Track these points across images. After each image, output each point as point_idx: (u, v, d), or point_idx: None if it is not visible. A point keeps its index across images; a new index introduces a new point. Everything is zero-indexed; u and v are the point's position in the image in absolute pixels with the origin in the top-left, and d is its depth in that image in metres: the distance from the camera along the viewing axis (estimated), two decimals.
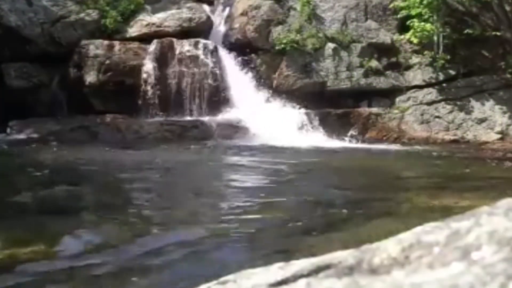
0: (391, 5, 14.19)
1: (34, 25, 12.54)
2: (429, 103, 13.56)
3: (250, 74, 12.93)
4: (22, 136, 11.10)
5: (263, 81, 13.05)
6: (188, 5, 13.58)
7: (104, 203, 5.29)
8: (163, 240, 3.76)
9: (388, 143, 12.35)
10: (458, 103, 13.51)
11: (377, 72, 13.70)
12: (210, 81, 12.61)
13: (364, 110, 13.42)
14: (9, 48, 12.22)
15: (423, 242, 0.72)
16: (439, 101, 13.61)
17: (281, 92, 13.07)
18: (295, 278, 0.73)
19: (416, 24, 13.46)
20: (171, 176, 7.30)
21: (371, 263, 0.71)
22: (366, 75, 13.61)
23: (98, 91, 12.31)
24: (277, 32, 13.38)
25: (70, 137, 10.95)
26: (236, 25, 13.48)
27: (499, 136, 12.96)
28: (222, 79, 12.77)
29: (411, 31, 13.59)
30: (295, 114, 12.22)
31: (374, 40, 13.96)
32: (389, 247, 0.74)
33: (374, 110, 13.42)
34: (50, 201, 5.14)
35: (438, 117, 13.38)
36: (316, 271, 0.74)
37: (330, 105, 13.11)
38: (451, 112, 13.43)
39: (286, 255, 3.01)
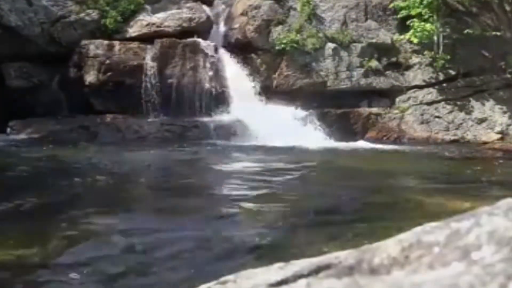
0: (391, 5, 14.19)
1: (34, 25, 12.54)
2: (429, 103, 13.56)
3: (250, 74, 12.93)
4: (22, 136, 11.11)
5: (263, 81, 13.05)
6: (188, 5, 13.58)
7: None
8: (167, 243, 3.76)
9: (388, 143, 12.36)
10: (458, 103, 13.52)
11: (377, 72, 13.70)
12: (210, 81, 12.61)
13: (364, 110, 13.42)
14: (9, 48, 12.22)
15: (423, 242, 0.72)
16: (439, 101, 13.62)
17: (281, 92, 13.08)
18: (295, 278, 0.73)
19: (416, 24, 13.47)
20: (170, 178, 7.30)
21: (371, 263, 0.71)
22: (366, 75, 13.62)
23: (98, 91, 12.32)
24: (277, 32, 13.38)
25: (70, 137, 10.96)
26: (236, 25, 13.48)
27: (499, 136, 12.97)
28: (222, 79, 12.77)
29: (411, 31, 13.59)
30: (295, 114, 12.22)
31: (374, 40, 13.95)
32: (389, 247, 0.74)
33: (374, 110, 13.43)
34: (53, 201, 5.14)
35: (438, 117, 13.38)
36: (316, 271, 0.74)
37: (330, 105, 13.11)
38: (451, 112, 13.43)
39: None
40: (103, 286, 2.86)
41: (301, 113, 12.30)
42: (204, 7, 13.91)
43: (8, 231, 3.88)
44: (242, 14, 13.50)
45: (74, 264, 3.14)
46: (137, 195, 5.92)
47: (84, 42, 12.50)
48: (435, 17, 13.40)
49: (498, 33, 13.13)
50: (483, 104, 13.45)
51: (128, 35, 12.95)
